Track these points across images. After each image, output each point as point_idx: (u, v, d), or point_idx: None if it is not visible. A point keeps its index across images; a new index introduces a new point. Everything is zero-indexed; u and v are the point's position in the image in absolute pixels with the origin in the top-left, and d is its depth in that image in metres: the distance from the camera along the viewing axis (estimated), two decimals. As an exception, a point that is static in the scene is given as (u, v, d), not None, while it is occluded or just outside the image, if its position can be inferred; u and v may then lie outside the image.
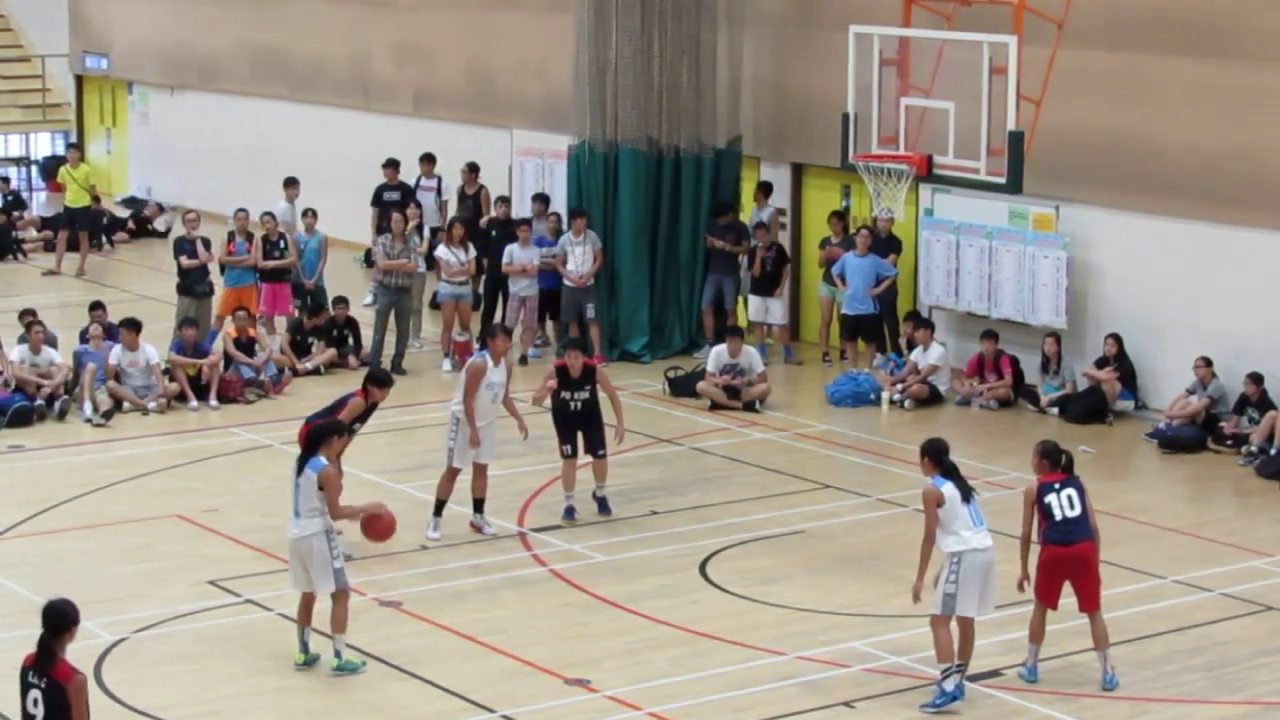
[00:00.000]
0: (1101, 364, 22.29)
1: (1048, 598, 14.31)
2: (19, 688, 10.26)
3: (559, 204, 26.72)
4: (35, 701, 10.10)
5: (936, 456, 14.07)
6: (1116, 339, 22.27)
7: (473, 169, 28.30)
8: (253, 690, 14.29)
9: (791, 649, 15.00)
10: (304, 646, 14.68)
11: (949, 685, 13.88)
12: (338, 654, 14.45)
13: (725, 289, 25.23)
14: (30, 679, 10.19)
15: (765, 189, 25.72)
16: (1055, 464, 14.38)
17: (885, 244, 24.32)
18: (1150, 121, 22.13)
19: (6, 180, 36.75)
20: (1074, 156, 22.42)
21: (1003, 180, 20.07)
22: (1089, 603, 14.27)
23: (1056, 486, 14.23)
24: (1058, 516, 14.11)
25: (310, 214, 26.58)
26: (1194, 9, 21.74)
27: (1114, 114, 22.38)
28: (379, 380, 17.55)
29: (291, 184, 27.62)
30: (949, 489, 13.90)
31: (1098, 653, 14.34)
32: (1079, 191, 22.77)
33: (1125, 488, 19.52)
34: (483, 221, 26.33)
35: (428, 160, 28.97)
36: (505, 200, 26.88)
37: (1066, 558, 14.12)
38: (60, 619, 10.27)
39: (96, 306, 23.73)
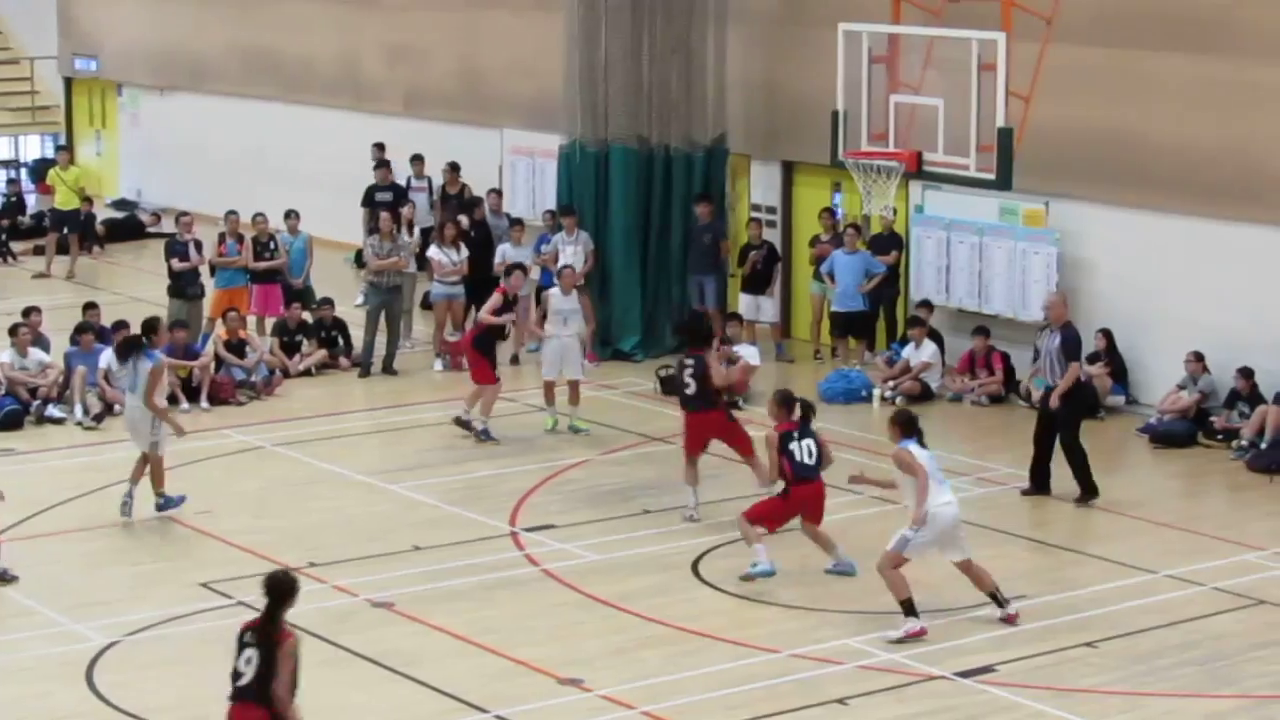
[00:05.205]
0: (1093, 359, 22.27)
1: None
2: (235, 648, 11.16)
3: (549, 203, 26.73)
4: (248, 660, 11.08)
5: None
6: (1107, 334, 22.28)
7: (454, 168, 28.33)
8: (246, 692, 14.26)
9: (785, 646, 15.00)
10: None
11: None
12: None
13: (706, 288, 25.21)
14: (246, 639, 11.14)
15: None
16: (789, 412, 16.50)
17: (887, 241, 24.33)
18: (1140, 117, 22.13)
19: (15, 182, 36.73)
20: (1064, 152, 22.43)
21: (993, 177, 20.06)
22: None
23: (796, 435, 16.41)
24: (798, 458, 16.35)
25: (294, 215, 26.61)
26: (1183, 4, 21.75)
27: (1104, 109, 22.38)
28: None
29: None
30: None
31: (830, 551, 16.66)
32: (1069, 187, 22.78)
33: (1117, 483, 19.50)
34: (465, 221, 26.32)
35: (418, 161, 29.02)
36: (479, 202, 26.92)
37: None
38: (286, 589, 11.17)
39: (90, 307, 23.72)
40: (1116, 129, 22.30)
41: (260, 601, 11.20)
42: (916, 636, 15.00)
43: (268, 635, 11.07)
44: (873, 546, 17.54)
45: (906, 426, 15.55)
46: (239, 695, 11.14)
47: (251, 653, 11.08)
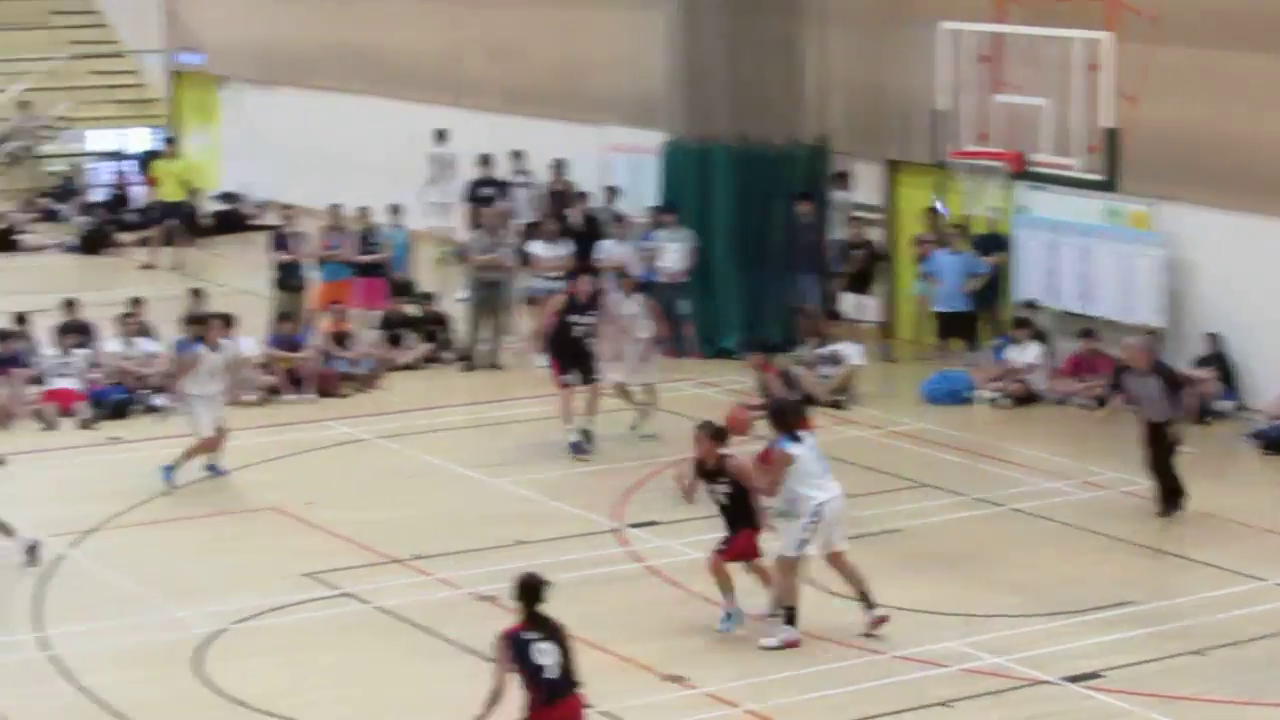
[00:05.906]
0: (1200, 364, 22.04)
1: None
2: (513, 651, 11.47)
3: (649, 200, 26.73)
4: (542, 651, 11.54)
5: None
6: (1214, 338, 22.04)
7: (559, 165, 28.41)
8: (347, 683, 14.34)
9: (889, 648, 14.91)
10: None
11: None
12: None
13: (808, 287, 25.12)
14: (525, 637, 11.58)
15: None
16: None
17: (990, 242, 24.16)
18: (1246, 117, 21.86)
19: (122, 174, 37.08)
20: (1169, 153, 22.18)
21: (1098, 177, 19.89)
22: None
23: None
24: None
25: (397, 209, 26.77)
26: (1294, 4, 21.51)
27: (1209, 110, 22.12)
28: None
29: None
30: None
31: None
32: (1175, 189, 22.52)
33: (1224, 488, 19.26)
34: (581, 219, 26.52)
35: (518, 157, 29.12)
36: (583, 197, 27.01)
37: None
38: (540, 586, 11.77)
39: (195, 293, 23.98)
40: (1222, 130, 22.03)
41: (515, 606, 11.68)
42: (793, 646, 14.89)
43: (550, 628, 11.61)
44: (977, 549, 17.49)
45: (779, 421, 15.30)
46: (560, 690, 11.52)
47: (545, 645, 11.54)
